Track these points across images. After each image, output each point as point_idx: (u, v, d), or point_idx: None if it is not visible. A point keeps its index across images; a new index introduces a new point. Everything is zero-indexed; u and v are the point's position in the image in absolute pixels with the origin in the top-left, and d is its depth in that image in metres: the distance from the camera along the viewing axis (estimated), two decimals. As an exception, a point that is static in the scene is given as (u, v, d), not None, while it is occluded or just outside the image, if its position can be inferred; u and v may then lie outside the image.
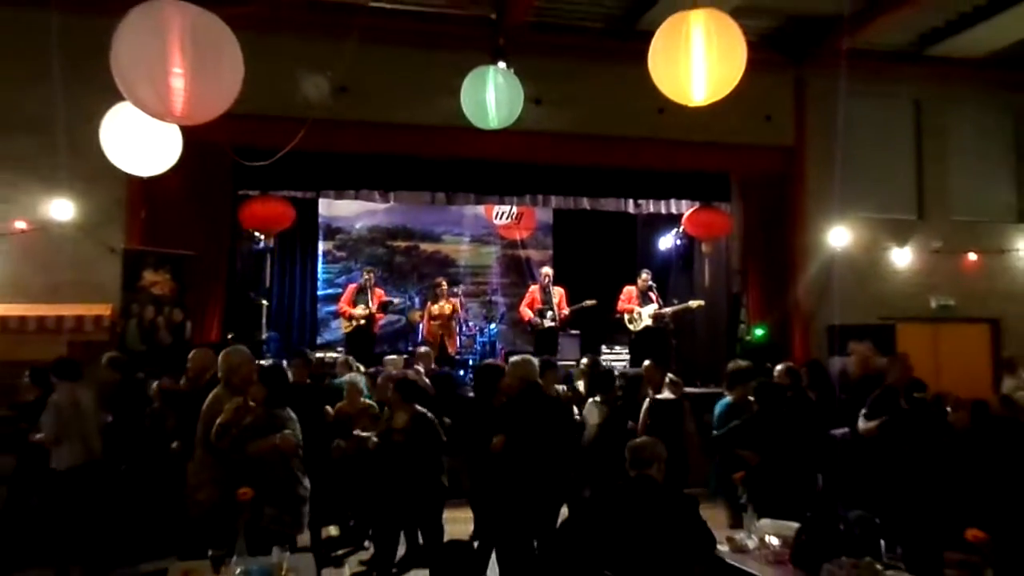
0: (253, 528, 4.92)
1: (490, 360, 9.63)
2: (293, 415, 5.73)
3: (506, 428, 6.31)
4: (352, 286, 12.20)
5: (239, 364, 5.87)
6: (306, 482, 5.76)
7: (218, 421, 5.55)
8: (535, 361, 6.77)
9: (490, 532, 6.41)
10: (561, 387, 8.00)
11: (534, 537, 6.25)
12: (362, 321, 11.71)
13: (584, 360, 8.91)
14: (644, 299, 11.97)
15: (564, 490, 6.50)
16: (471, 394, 9.15)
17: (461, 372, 11.70)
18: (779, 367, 8.34)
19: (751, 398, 7.19)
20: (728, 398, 7.44)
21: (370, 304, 11.70)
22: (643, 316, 11.86)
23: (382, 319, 12.42)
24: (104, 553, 6.75)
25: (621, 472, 4.71)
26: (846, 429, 7.73)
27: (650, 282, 12.12)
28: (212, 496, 5.63)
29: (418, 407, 6.83)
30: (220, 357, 6.06)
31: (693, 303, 12.00)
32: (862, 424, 7.24)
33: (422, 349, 9.88)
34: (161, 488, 6.88)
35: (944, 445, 6.46)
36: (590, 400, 7.52)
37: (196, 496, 5.75)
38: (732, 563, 4.79)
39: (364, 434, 7.14)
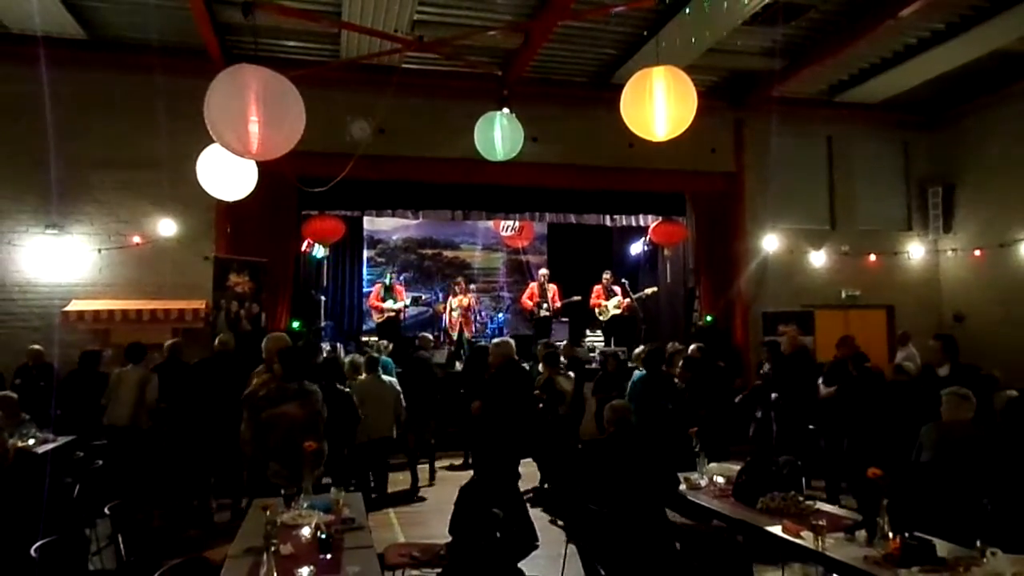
0: (259, 480, 4.85)
1: (480, 343, 9.64)
2: (311, 388, 5.45)
3: (490, 390, 6.35)
4: (378, 285, 12.20)
5: (271, 347, 5.80)
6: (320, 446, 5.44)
7: (245, 392, 5.50)
8: (512, 342, 6.80)
9: (483, 466, 6.44)
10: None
11: (514, 467, 6.29)
12: (392, 313, 11.72)
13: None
14: (609, 294, 12.00)
15: (532, 433, 6.50)
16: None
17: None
18: (692, 347, 8.29)
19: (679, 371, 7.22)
20: (644, 372, 7.13)
21: (395, 298, 11.71)
22: (609, 308, 11.91)
23: (407, 310, 12.41)
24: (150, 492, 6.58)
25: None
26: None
27: (613, 280, 12.14)
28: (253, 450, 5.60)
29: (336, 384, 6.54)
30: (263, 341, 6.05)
31: (648, 290, 12.27)
32: (822, 389, 7.20)
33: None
34: (195, 442, 6.89)
35: (888, 404, 6.33)
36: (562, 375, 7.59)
37: (244, 449, 5.71)
38: (689, 498, 4.80)
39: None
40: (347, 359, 7.93)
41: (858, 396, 6.61)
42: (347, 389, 6.57)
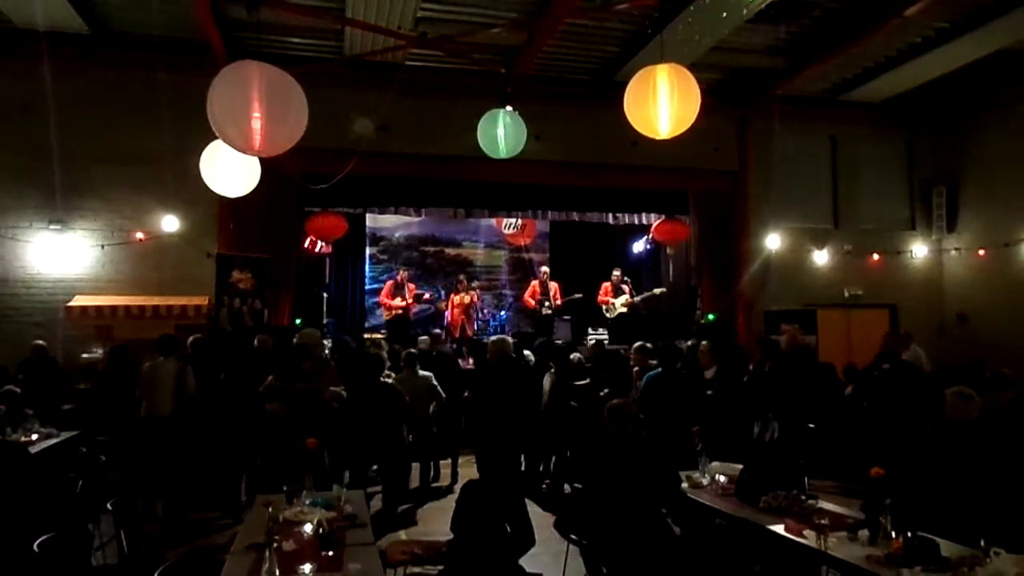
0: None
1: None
2: (307, 388, 5.60)
3: (483, 383, 6.44)
4: (389, 282, 12.19)
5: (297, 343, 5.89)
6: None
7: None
8: (509, 339, 6.88)
9: (483, 457, 6.47)
10: None
11: (509, 458, 6.31)
12: (400, 310, 11.72)
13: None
14: (617, 291, 11.97)
15: (526, 425, 6.52)
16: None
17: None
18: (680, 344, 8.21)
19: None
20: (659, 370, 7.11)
21: (406, 296, 11.71)
22: (616, 306, 11.90)
23: (415, 307, 12.42)
24: (177, 488, 6.66)
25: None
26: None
27: (622, 277, 12.12)
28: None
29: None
30: None
31: (657, 290, 12.24)
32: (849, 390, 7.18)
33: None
34: (223, 438, 6.87)
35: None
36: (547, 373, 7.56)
37: None
38: (691, 496, 4.79)
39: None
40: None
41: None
42: (390, 381, 6.62)
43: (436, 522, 6.22)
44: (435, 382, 7.60)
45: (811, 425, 7.26)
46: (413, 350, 7.98)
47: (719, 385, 6.51)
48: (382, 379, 6.54)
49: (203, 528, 6.25)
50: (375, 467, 6.65)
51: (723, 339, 9.86)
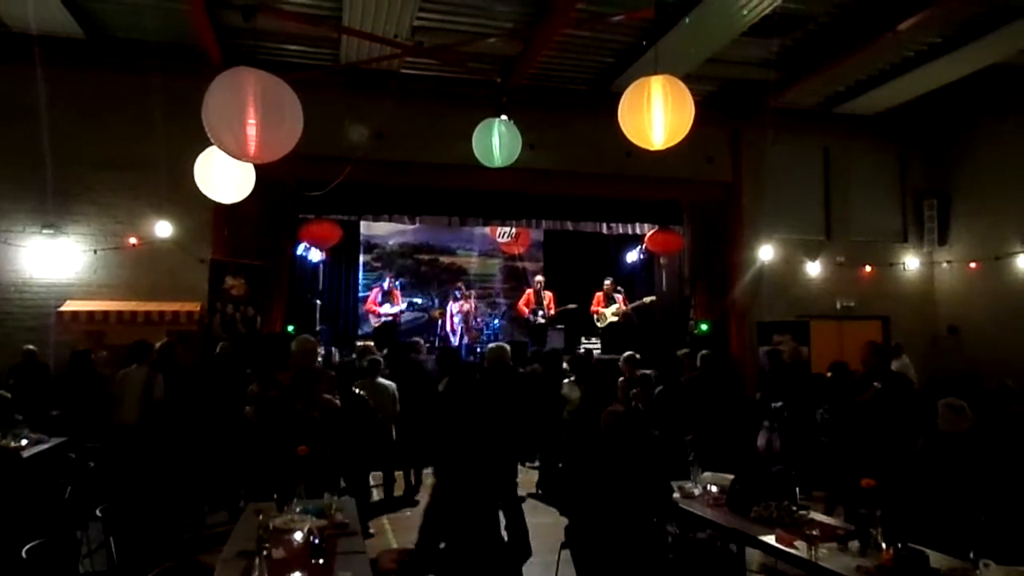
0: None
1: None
2: (274, 395, 5.69)
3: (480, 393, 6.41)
4: (376, 289, 12.18)
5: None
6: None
7: None
8: (506, 346, 6.93)
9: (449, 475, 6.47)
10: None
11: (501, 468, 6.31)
12: (389, 317, 11.70)
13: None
14: (609, 301, 11.99)
15: (519, 433, 6.54)
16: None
17: (471, 357, 11.70)
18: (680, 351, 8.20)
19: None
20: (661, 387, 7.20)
21: (392, 303, 11.70)
22: (607, 315, 11.92)
23: (402, 315, 12.39)
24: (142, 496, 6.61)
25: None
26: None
27: (614, 287, 12.14)
28: None
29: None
30: None
31: (646, 299, 12.27)
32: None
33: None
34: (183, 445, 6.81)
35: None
36: (567, 380, 7.53)
37: None
38: (682, 506, 4.78)
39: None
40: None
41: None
42: (361, 392, 6.60)
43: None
44: (394, 390, 7.59)
45: (805, 435, 7.28)
46: (375, 357, 7.98)
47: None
48: (352, 389, 6.52)
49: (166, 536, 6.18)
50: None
51: (716, 350, 9.90)
